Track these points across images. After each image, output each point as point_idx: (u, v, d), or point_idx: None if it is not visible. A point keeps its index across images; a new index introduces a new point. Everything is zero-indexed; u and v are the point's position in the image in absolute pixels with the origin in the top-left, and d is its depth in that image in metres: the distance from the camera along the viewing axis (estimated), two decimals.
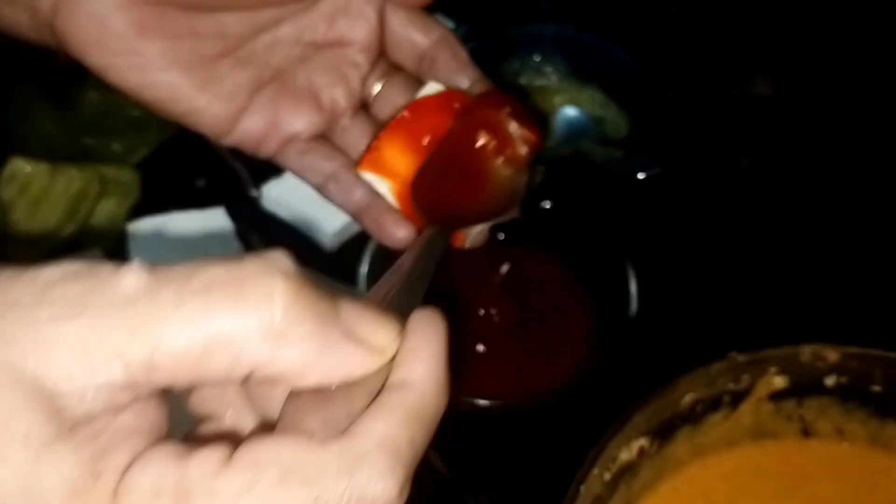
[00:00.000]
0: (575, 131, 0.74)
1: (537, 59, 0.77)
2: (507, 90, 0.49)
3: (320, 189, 0.48)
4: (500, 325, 0.62)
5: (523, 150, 0.50)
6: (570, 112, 0.76)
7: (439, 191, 0.46)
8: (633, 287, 0.62)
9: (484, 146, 0.50)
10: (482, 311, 0.62)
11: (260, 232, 0.70)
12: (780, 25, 0.87)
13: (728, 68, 0.84)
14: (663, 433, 0.49)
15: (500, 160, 0.50)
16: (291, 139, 0.47)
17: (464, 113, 0.47)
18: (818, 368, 0.50)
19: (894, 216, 0.72)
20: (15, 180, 0.67)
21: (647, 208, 0.72)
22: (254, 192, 0.73)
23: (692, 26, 0.87)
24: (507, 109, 0.48)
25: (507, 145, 0.50)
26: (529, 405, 0.57)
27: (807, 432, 0.52)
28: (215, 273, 0.26)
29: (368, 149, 0.46)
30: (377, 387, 0.29)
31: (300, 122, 0.47)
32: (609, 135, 0.74)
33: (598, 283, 0.63)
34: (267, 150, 0.47)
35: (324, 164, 0.47)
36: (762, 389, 0.50)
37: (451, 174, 0.48)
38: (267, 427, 0.30)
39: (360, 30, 0.47)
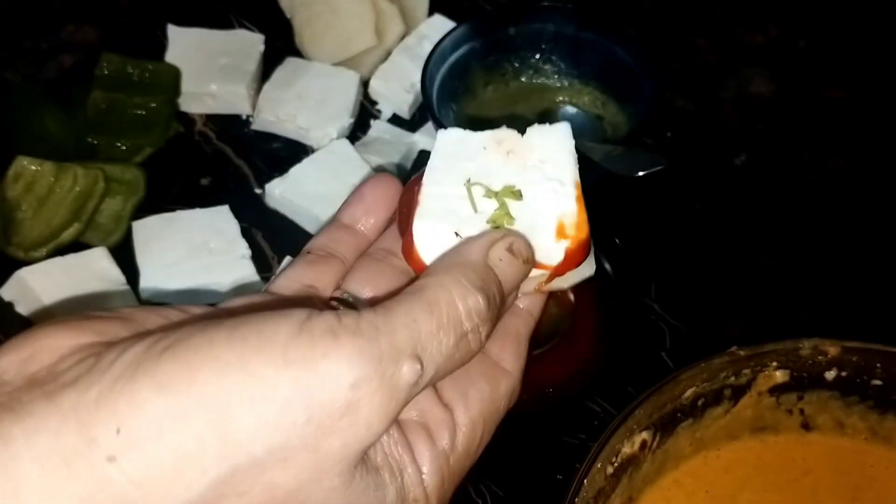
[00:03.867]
0: (575, 130, 0.74)
1: (538, 57, 0.77)
2: None
3: None
4: None
5: (570, 296, 0.60)
6: (570, 110, 0.76)
7: None
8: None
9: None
10: None
11: (264, 230, 0.70)
12: (778, 24, 0.88)
13: (726, 66, 0.84)
14: (665, 427, 0.49)
15: (550, 301, 0.55)
16: None
17: None
18: (818, 363, 0.50)
19: (891, 212, 0.73)
20: (21, 179, 0.67)
21: (646, 206, 0.72)
22: (258, 191, 0.73)
23: (690, 25, 0.88)
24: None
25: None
26: (534, 400, 0.58)
27: (807, 426, 0.52)
28: None
29: None
30: None
31: None
32: (609, 133, 0.74)
33: (601, 282, 0.63)
34: None
35: None
36: (763, 383, 0.51)
37: None
38: None
39: None
